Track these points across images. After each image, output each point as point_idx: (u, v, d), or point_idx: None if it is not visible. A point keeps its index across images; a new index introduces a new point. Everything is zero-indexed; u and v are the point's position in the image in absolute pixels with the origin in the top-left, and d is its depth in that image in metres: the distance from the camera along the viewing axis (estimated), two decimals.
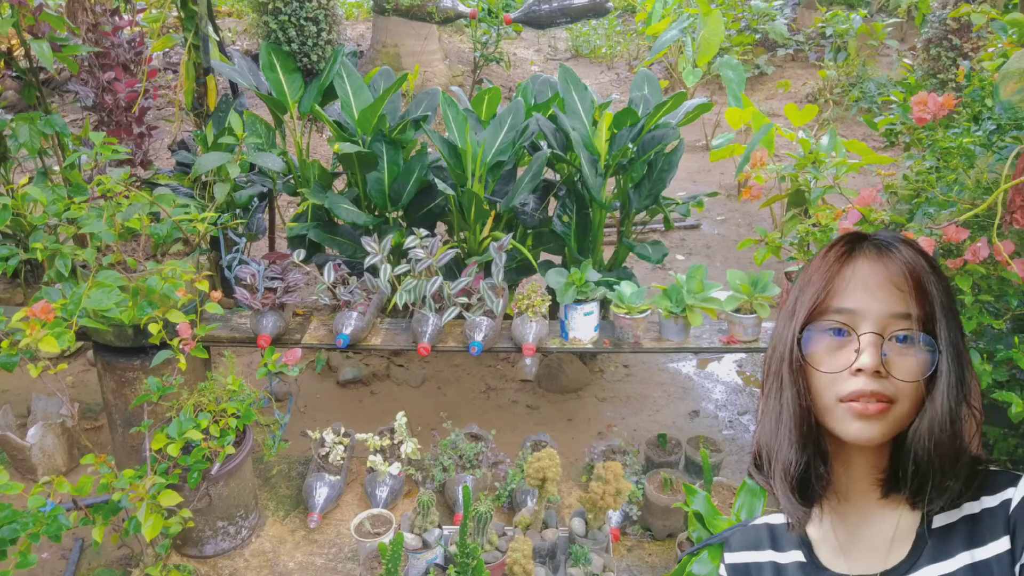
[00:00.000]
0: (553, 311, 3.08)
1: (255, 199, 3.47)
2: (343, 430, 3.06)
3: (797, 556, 1.01)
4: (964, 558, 0.87)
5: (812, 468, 0.94)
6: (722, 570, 1.10)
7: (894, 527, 0.93)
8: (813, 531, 1.01)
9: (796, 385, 0.93)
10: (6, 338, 2.15)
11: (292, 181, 3.69)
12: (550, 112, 3.49)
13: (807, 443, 0.94)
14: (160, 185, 3.18)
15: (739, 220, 5.60)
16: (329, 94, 3.71)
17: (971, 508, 0.90)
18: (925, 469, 0.88)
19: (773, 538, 1.06)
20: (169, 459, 2.37)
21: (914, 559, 0.90)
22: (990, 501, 0.89)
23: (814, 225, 2.65)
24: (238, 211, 3.43)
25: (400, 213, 3.60)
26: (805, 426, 0.94)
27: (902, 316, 0.88)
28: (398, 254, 3.36)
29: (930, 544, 0.90)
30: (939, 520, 0.91)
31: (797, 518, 0.99)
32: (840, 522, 0.97)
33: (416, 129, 3.49)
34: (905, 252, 0.91)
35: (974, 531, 0.88)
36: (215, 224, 2.99)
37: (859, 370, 0.87)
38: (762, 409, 1.00)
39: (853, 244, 0.94)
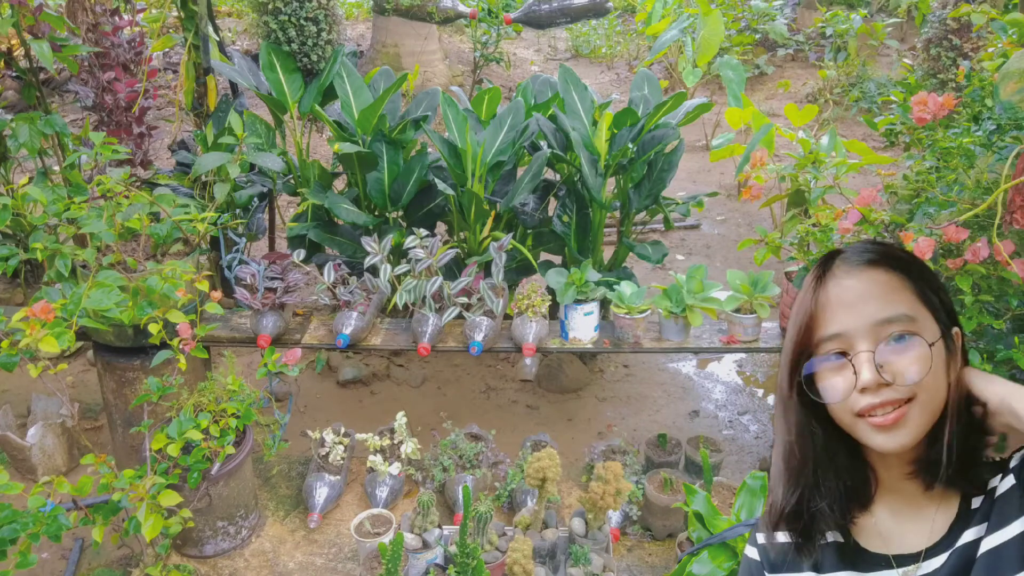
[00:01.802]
0: (553, 311, 3.08)
1: (255, 199, 3.47)
2: (343, 430, 3.06)
3: (835, 537, 1.02)
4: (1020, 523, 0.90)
5: (803, 502, 0.97)
6: (752, 553, 1.09)
7: (933, 514, 0.95)
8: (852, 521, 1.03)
9: (787, 420, 0.97)
10: (6, 338, 2.15)
11: (292, 181, 3.69)
12: (550, 112, 3.49)
13: (800, 477, 0.97)
14: (160, 185, 3.18)
15: (739, 220, 5.60)
16: (329, 94, 3.71)
17: (994, 483, 0.93)
18: (957, 452, 0.91)
19: None
20: (169, 459, 2.36)
21: (956, 534, 0.92)
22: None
23: (814, 225, 2.65)
24: (238, 211, 3.43)
25: (400, 213, 3.60)
26: (793, 460, 0.97)
27: (887, 321, 0.89)
28: (398, 254, 3.36)
29: (971, 517, 0.93)
30: (977, 501, 0.94)
31: (776, 553, 1.02)
32: (887, 510, 0.99)
33: (416, 129, 3.49)
34: (871, 256, 0.93)
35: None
36: (215, 224, 2.99)
37: (864, 388, 0.89)
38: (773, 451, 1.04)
39: (824, 268, 0.96)
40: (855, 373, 0.89)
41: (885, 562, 0.96)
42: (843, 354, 0.91)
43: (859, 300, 0.90)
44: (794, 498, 0.97)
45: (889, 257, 0.93)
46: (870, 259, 0.93)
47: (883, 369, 0.88)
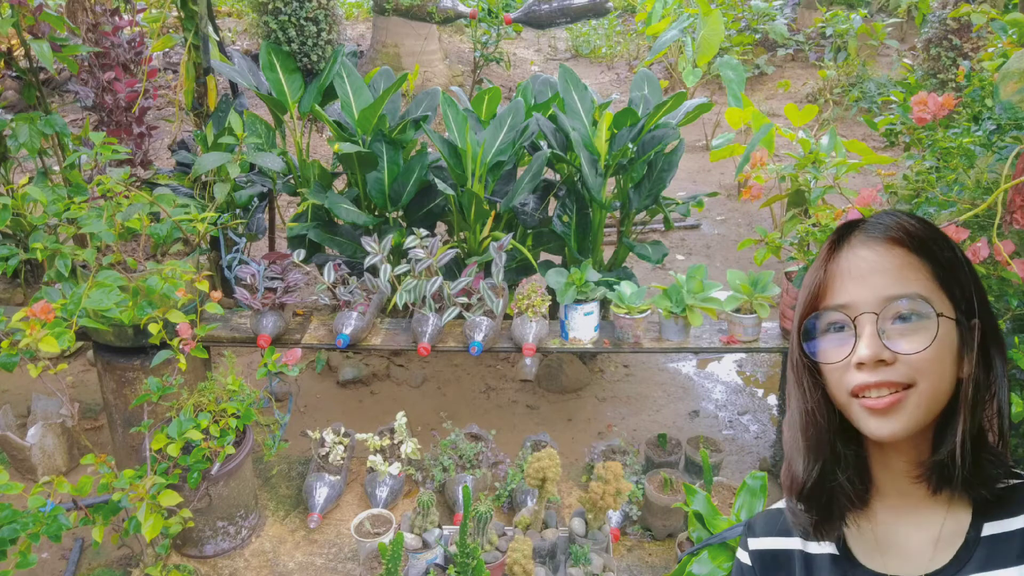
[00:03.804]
0: (553, 311, 3.08)
1: (255, 199, 3.47)
2: (343, 430, 3.06)
3: (829, 548, 0.96)
4: (1019, 571, 0.82)
5: (826, 476, 0.90)
6: (744, 557, 1.04)
7: (939, 529, 0.88)
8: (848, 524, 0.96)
9: (801, 387, 0.91)
10: (6, 338, 2.15)
11: (292, 181, 3.69)
12: (550, 112, 3.49)
13: (819, 449, 0.91)
14: (160, 185, 3.19)
15: (739, 220, 5.60)
16: (329, 94, 3.71)
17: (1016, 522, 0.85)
18: (962, 453, 0.84)
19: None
20: (169, 459, 2.37)
21: (960, 564, 0.86)
22: None
23: (814, 225, 2.65)
24: (238, 211, 3.43)
25: (400, 213, 3.60)
26: (812, 430, 0.91)
27: (895, 298, 0.84)
28: (398, 254, 3.36)
29: (979, 551, 0.85)
30: (990, 528, 0.86)
31: (810, 531, 0.94)
32: (878, 519, 0.93)
33: (416, 129, 3.49)
34: (892, 231, 0.87)
35: None
36: (215, 224, 2.99)
37: (861, 364, 0.84)
38: (786, 421, 0.98)
39: (840, 237, 0.91)
40: (855, 338, 0.85)
41: None
42: (844, 324, 0.86)
43: (871, 273, 0.85)
44: (815, 471, 0.90)
45: (911, 236, 0.87)
46: (890, 235, 0.87)
47: (884, 340, 0.83)
